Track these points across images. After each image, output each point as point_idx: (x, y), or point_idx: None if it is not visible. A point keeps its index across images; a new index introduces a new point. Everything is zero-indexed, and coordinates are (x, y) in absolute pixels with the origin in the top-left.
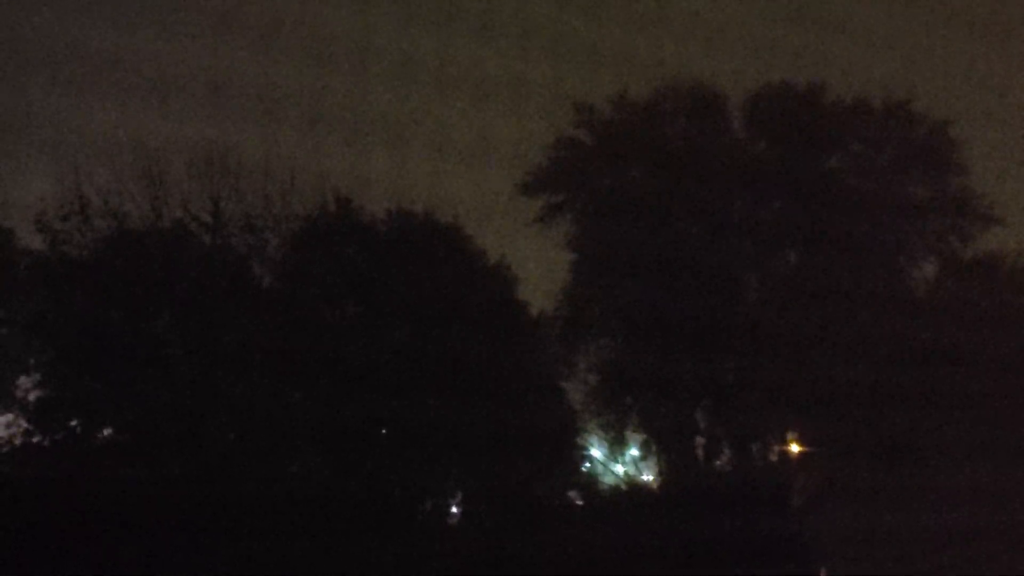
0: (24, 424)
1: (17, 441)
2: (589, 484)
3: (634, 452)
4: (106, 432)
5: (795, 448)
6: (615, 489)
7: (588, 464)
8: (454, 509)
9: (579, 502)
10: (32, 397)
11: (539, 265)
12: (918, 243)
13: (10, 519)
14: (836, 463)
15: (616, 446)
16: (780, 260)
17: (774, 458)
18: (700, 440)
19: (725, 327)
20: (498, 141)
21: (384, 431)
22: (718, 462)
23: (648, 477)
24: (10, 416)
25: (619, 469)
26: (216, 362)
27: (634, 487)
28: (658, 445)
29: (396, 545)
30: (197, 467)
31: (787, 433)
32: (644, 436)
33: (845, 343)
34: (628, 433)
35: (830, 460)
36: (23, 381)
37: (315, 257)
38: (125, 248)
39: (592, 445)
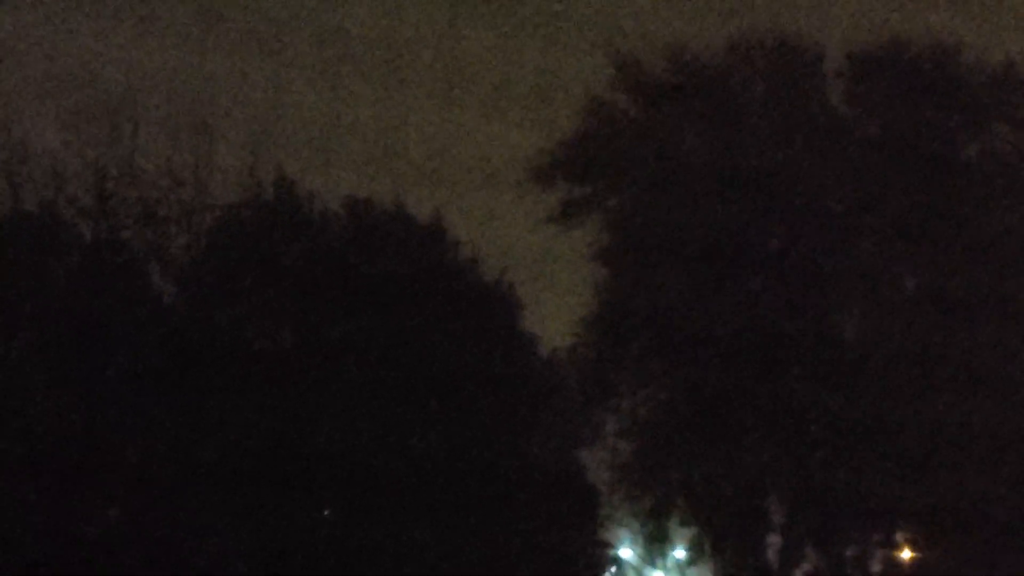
0: None
1: None
2: None
3: (680, 553)
4: None
5: (907, 553)
6: None
7: (614, 568)
8: None
9: None
10: None
11: (555, 282)
12: None
13: None
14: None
15: (655, 544)
16: (895, 282)
17: (877, 566)
18: (774, 539)
19: (815, 375)
20: (502, 105)
21: (327, 504)
22: (798, 570)
23: None
24: None
25: None
26: (96, 400)
27: None
28: (714, 544)
29: None
30: (64, 542)
31: (896, 531)
32: (695, 530)
33: (986, 402)
34: (673, 526)
35: (962, 571)
36: None
37: (240, 261)
38: None
39: (622, 542)
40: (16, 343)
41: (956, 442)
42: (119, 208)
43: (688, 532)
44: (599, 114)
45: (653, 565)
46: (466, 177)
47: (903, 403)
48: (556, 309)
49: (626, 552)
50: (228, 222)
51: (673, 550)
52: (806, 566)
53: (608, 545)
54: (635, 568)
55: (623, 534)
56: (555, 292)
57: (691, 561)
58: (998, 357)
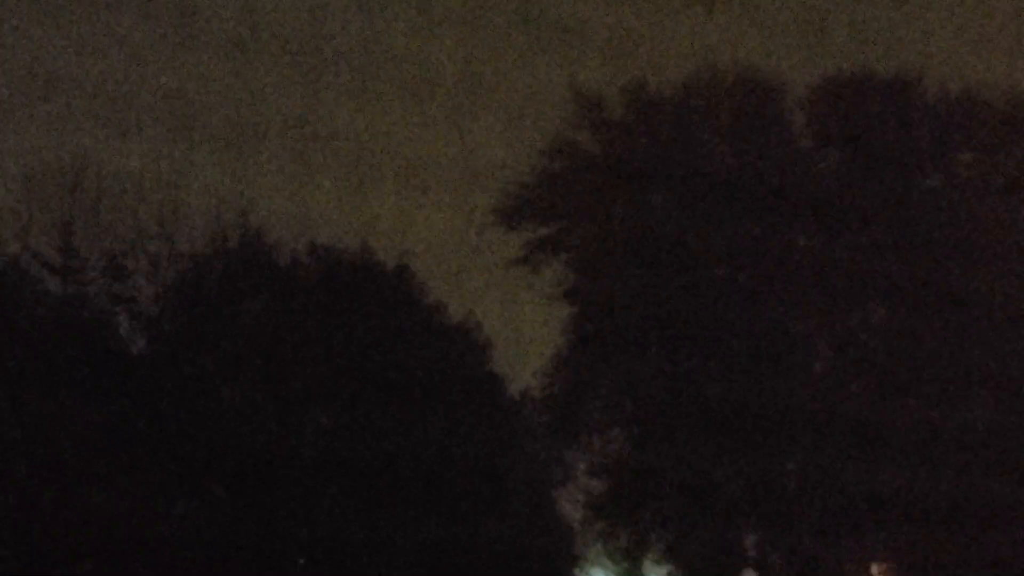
0: None
1: None
2: None
3: None
4: None
5: None
6: None
7: None
8: None
9: None
10: None
11: (522, 324)
12: None
13: None
14: None
15: None
16: (862, 317)
17: None
18: (750, 573)
19: (784, 414)
20: (466, 150)
21: (301, 560)
22: None
23: None
24: None
25: None
26: (63, 458)
27: None
28: None
29: None
30: None
31: (872, 566)
32: (670, 568)
33: (956, 438)
34: (647, 564)
35: None
36: None
37: (207, 312)
38: None
39: None
40: None
41: (926, 488)
42: (85, 262)
43: (663, 570)
44: (562, 153)
45: None
46: (432, 218)
47: (871, 451)
48: (526, 349)
49: None
50: (195, 272)
51: None
52: None
53: None
54: None
55: (597, 574)
56: (525, 332)
57: None
58: (969, 404)
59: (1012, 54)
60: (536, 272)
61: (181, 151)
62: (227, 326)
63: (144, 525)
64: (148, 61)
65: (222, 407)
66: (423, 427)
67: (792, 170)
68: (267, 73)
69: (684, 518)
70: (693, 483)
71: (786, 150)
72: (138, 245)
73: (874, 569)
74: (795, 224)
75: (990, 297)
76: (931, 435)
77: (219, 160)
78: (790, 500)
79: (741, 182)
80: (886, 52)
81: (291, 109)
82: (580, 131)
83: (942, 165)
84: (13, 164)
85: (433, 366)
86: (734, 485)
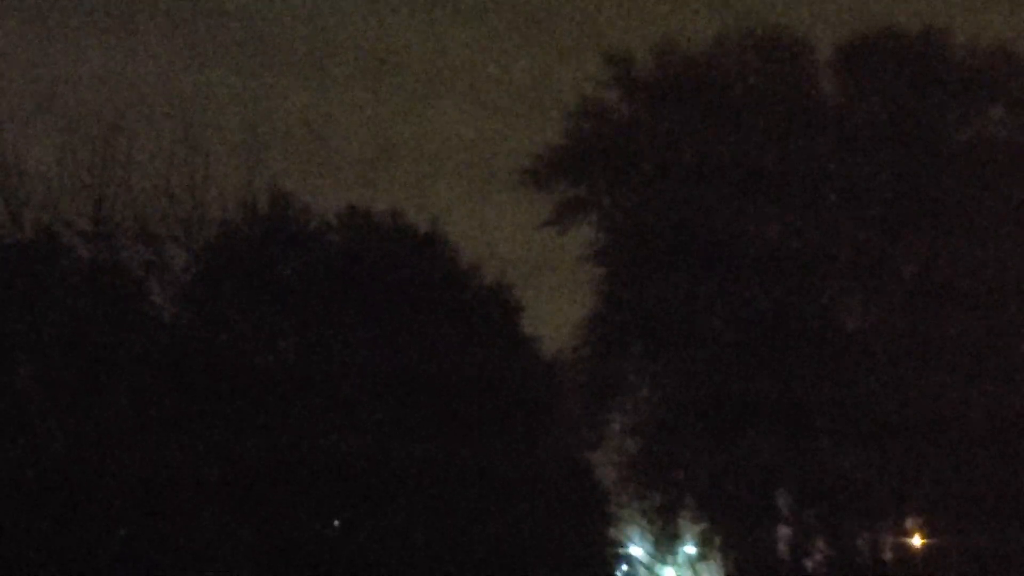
0: None
1: None
2: None
3: (690, 549)
4: None
5: (918, 540)
6: None
7: (626, 567)
8: None
9: None
10: None
11: (555, 286)
12: None
13: None
14: (979, 561)
15: (665, 541)
16: (896, 273)
17: (888, 555)
18: (783, 531)
19: (818, 369)
20: (497, 112)
21: (337, 523)
22: (810, 561)
23: None
24: None
25: (669, 573)
26: (99, 426)
27: None
28: (724, 539)
29: None
30: (77, 564)
31: (906, 518)
32: (704, 526)
33: (992, 390)
34: (682, 522)
35: (971, 556)
36: None
37: (238, 277)
38: None
39: (632, 540)
40: (19, 366)
41: (961, 428)
42: (116, 229)
43: (697, 528)
44: (591, 114)
45: (664, 562)
46: (462, 183)
47: (906, 391)
48: (558, 311)
49: (636, 550)
50: (226, 238)
51: (683, 546)
52: (817, 556)
53: (619, 543)
54: (646, 565)
55: (633, 532)
56: (557, 294)
57: (701, 556)
58: (998, 343)
59: None
60: (568, 233)
61: (211, 118)
62: (258, 292)
63: (177, 487)
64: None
65: (255, 372)
66: (458, 389)
67: (822, 126)
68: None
69: (717, 478)
70: (726, 442)
71: (816, 106)
72: (169, 211)
73: (909, 522)
74: (826, 178)
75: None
76: (968, 386)
77: (250, 126)
78: (822, 456)
79: (772, 140)
80: (913, 6)
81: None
82: (609, 91)
83: (974, 117)
84: (44, 129)
85: (466, 329)
86: (767, 444)
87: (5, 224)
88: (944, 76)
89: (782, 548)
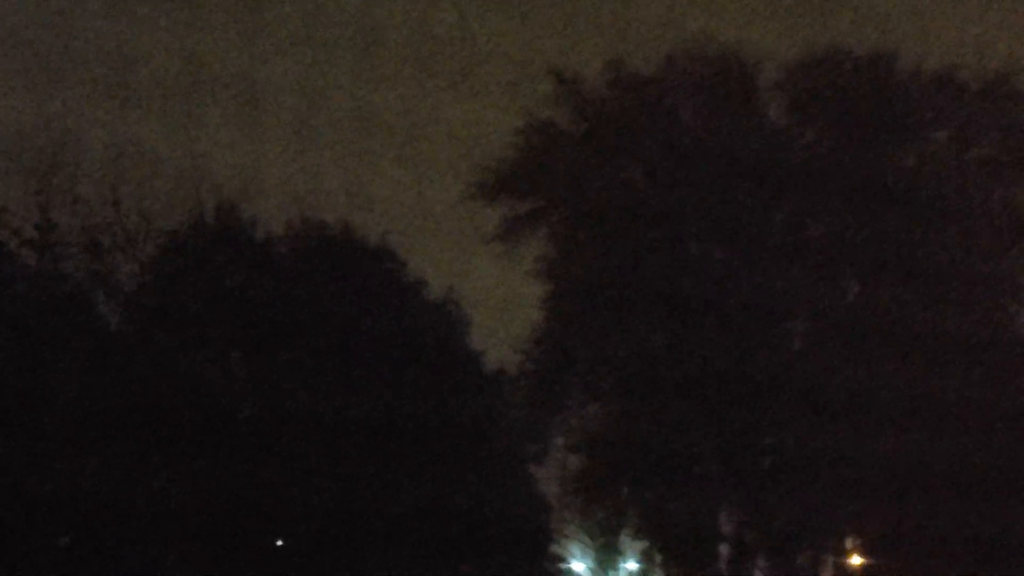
0: None
1: None
2: None
3: (632, 566)
4: None
5: (857, 559)
6: None
7: None
8: None
9: None
10: None
11: (501, 301)
12: None
13: None
14: None
15: (607, 557)
16: (836, 293)
17: (828, 573)
18: (724, 549)
19: (760, 388)
20: (447, 130)
21: (280, 535)
22: None
23: None
24: None
25: None
26: (42, 432)
27: None
28: (665, 556)
29: None
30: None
31: (846, 539)
32: (646, 543)
33: (928, 409)
34: (624, 539)
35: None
36: None
37: (183, 287)
38: None
39: (574, 556)
40: None
41: (896, 459)
42: (62, 238)
43: (639, 545)
44: (540, 131)
45: None
46: (413, 195)
47: (846, 426)
48: (503, 325)
49: (578, 566)
50: (172, 248)
51: (625, 562)
52: (757, 574)
53: (560, 559)
54: None
55: (575, 548)
56: (503, 308)
57: (643, 573)
58: (936, 381)
59: (985, 34)
60: (515, 248)
61: (159, 126)
62: (204, 302)
63: (120, 497)
64: (134, 32)
65: (199, 382)
66: (402, 402)
67: (768, 147)
68: (265, 47)
69: (660, 495)
70: (669, 459)
71: (762, 127)
72: (116, 221)
73: (848, 543)
74: (770, 200)
75: (961, 268)
76: (904, 409)
77: (196, 136)
78: (765, 476)
79: (717, 159)
80: (862, 30)
81: (276, 84)
82: (557, 109)
83: (916, 143)
84: None
85: (413, 342)
86: (710, 461)
87: None
88: (886, 100)
89: (723, 566)
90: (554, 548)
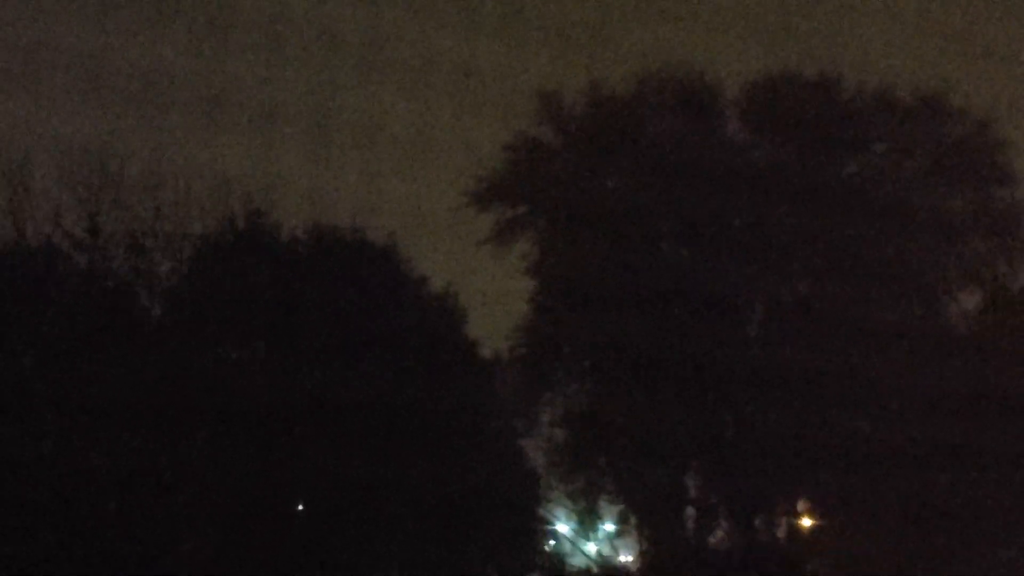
0: None
1: None
2: (554, 566)
3: (609, 527)
4: None
5: (808, 521)
6: (586, 573)
7: (553, 542)
8: None
9: None
10: None
11: (493, 295)
12: (957, 268)
13: None
14: (858, 539)
15: (587, 519)
16: (789, 288)
17: (782, 533)
18: (691, 511)
19: (722, 371)
20: (445, 141)
21: (301, 502)
22: (713, 538)
23: (626, 558)
24: None
25: (591, 548)
26: (92, 412)
27: (609, 570)
28: (639, 518)
29: None
30: (65, 545)
31: (798, 502)
32: (622, 507)
33: (869, 390)
34: (602, 503)
35: (851, 535)
36: None
37: (216, 283)
38: None
39: (558, 518)
40: (22, 357)
41: (842, 433)
42: (109, 240)
43: (616, 508)
44: (526, 146)
45: (586, 538)
46: (417, 202)
47: (797, 405)
48: (496, 317)
49: (563, 527)
50: (206, 249)
51: (603, 524)
52: (720, 534)
53: (547, 521)
54: (571, 540)
55: (559, 511)
56: (495, 302)
57: (619, 533)
58: (879, 363)
59: (918, 57)
60: (505, 249)
61: (196, 140)
62: (234, 297)
63: (160, 468)
64: (169, 56)
65: (229, 368)
66: (407, 385)
67: (728, 158)
68: (284, 71)
69: (633, 464)
70: (641, 433)
71: (723, 141)
72: (156, 225)
73: (800, 506)
74: (730, 205)
75: (899, 266)
76: (849, 388)
77: (224, 148)
78: (726, 447)
79: (684, 169)
80: (812, 54)
81: (295, 103)
82: (542, 126)
83: (859, 154)
84: (48, 152)
85: (417, 331)
86: (678, 435)
87: (11, 235)
88: (835, 116)
89: (690, 526)
90: (541, 512)
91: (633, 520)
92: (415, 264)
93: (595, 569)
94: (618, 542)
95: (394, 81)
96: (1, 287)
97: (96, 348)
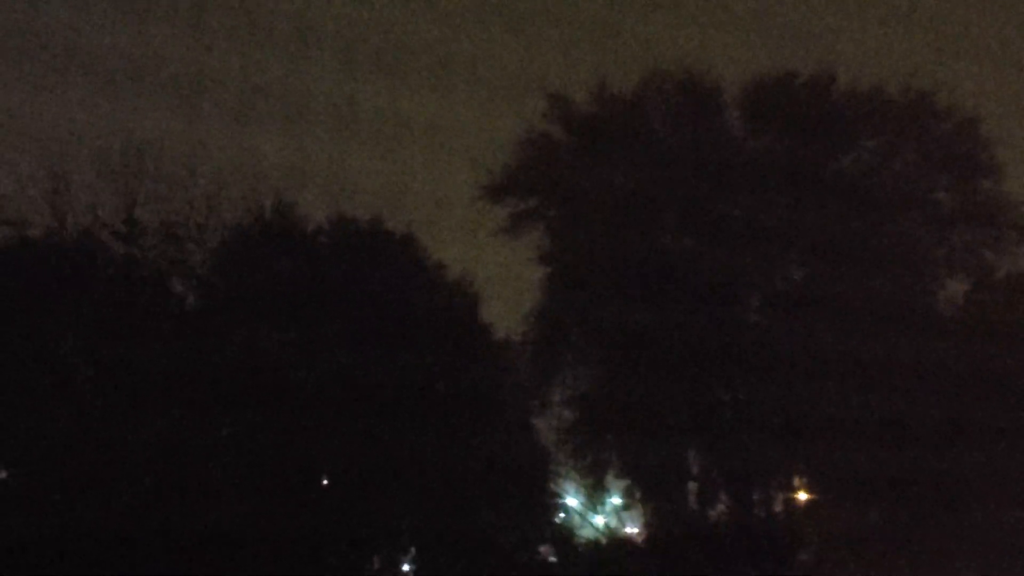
0: None
1: None
2: (564, 537)
3: (616, 500)
4: None
5: (803, 495)
6: (594, 543)
7: (563, 514)
8: (406, 567)
9: (552, 558)
10: None
11: (506, 282)
12: (945, 256)
13: None
14: (851, 512)
15: (595, 493)
16: (785, 275)
17: (779, 507)
18: (693, 486)
19: (722, 353)
20: (460, 136)
21: (326, 475)
22: (713, 512)
23: (632, 529)
24: None
25: (599, 520)
26: (131, 392)
27: (616, 541)
28: (644, 492)
29: None
30: (107, 517)
31: (794, 477)
32: (627, 482)
33: (861, 371)
34: (609, 478)
35: (844, 508)
36: None
37: (246, 271)
38: (24, 260)
39: (568, 492)
40: (65, 341)
41: (838, 412)
42: (145, 231)
43: (622, 483)
44: (536, 143)
45: (594, 511)
46: (433, 196)
47: (793, 385)
48: (509, 302)
49: (572, 501)
50: (236, 239)
51: (610, 498)
52: (720, 507)
53: (557, 495)
54: (579, 513)
55: (569, 486)
56: (508, 288)
57: (625, 507)
58: (869, 348)
59: (908, 57)
60: (518, 239)
61: (228, 136)
62: (263, 284)
63: (195, 443)
64: (202, 54)
65: (259, 350)
66: (426, 366)
67: (728, 153)
68: (311, 70)
69: (639, 441)
70: (646, 412)
71: (723, 136)
72: (190, 216)
73: (795, 481)
74: (730, 197)
75: (890, 254)
76: (843, 369)
77: (258, 144)
78: (726, 426)
79: (686, 163)
80: (808, 55)
81: (320, 100)
82: (551, 124)
83: (853, 149)
84: (87, 146)
85: (434, 315)
86: (680, 414)
87: (52, 226)
88: (829, 113)
89: (691, 500)
90: (552, 486)
91: (638, 494)
92: (433, 252)
93: (603, 540)
94: (625, 515)
95: (414, 79)
96: (43, 275)
97: (133, 333)
